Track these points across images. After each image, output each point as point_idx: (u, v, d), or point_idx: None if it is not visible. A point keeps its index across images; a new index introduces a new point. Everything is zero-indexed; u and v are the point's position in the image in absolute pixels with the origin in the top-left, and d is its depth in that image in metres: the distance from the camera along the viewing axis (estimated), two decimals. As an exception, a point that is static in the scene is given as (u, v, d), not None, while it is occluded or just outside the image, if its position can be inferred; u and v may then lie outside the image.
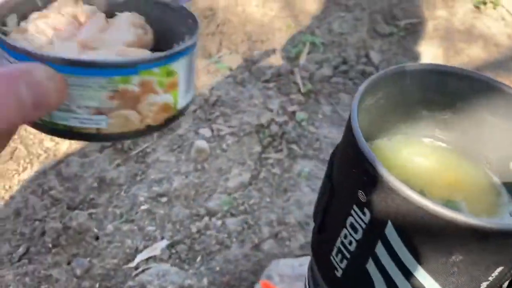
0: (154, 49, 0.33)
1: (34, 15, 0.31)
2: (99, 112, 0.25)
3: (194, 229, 0.95)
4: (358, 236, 0.41)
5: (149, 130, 0.28)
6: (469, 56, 1.41)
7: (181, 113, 0.29)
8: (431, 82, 0.47)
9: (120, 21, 0.35)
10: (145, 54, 0.28)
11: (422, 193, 0.47)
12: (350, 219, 0.41)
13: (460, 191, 0.48)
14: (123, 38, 0.34)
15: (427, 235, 0.36)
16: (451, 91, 0.48)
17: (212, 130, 1.09)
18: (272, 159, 1.08)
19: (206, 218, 0.97)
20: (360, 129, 0.40)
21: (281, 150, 1.10)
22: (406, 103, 0.49)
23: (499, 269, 0.38)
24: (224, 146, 1.07)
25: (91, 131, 0.26)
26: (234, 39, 1.31)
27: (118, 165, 1.01)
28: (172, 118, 0.28)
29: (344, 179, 0.43)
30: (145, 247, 0.92)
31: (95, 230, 0.92)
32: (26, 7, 0.31)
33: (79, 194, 0.96)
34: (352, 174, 0.40)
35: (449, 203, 0.46)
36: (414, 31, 1.48)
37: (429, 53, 1.41)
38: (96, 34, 0.33)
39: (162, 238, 0.93)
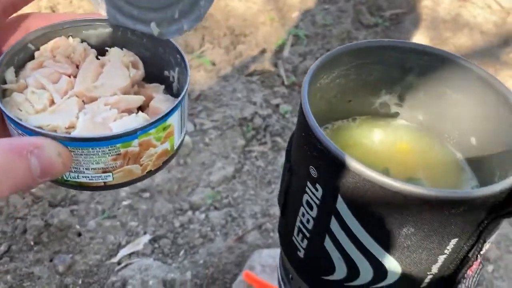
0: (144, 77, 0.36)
1: (30, 64, 0.34)
2: (105, 171, 0.29)
3: (177, 224, 0.95)
4: (314, 213, 0.41)
5: (149, 174, 0.31)
6: (455, 45, 1.41)
7: (177, 150, 0.32)
8: (390, 59, 0.47)
9: (113, 63, 0.35)
10: (142, 120, 0.30)
11: (386, 171, 0.47)
12: (305, 197, 0.41)
13: (424, 169, 0.48)
14: (118, 84, 0.35)
15: (376, 208, 0.36)
16: (411, 68, 0.47)
17: (195, 125, 1.09)
18: (256, 152, 1.08)
19: (189, 212, 0.97)
20: (310, 106, 0.39)
21: (265, 143, 1.10)
22: (367, 81, 0.49)
23: (454, 241, 0.37)
24: (207, 140, 1.07)
25: (98, 184, 0.29)
26: (217, 34, 1.31)
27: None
28: (169, 159, 0.32)
29: (299, 156, 0.42)
30: (128, 242, 0.91)
31: (77, 227, 0.92)
32: (21, 56, 0.34)
33: (60, 192, 0.96)
34: (304, 151, 0.40)
35: (410, 181, 0.46)
36: (399, 21, 1.48)
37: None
38: (90, 84, 0.34)
39: (145, 233, 0.93)
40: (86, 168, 0.28)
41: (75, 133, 0.29)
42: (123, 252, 0.90)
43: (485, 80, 0.44)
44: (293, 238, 0.46)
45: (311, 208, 0.41)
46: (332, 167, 0.36)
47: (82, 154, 0.28)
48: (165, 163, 0.32)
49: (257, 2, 1.39)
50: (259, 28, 1.35)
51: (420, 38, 1.43)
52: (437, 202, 0.33)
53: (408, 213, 0.35)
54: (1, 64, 0.31)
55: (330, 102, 0.48)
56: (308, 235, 0.43)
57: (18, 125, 0.27)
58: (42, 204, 0.93)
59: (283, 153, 1.08)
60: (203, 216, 0.96)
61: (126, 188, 0.98)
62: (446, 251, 0.38)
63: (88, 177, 0.29)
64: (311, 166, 0.39)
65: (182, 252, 0.91)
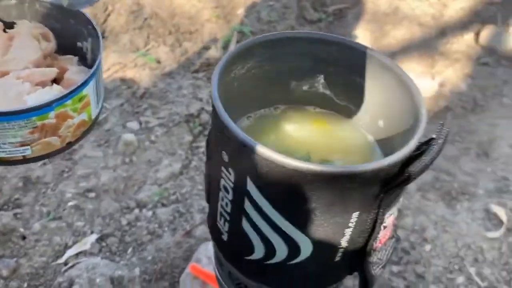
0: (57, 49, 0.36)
1: None
2: (23, 144, 0.29)
3: (124, 222, 0.95)
4: (230, 196, 0.43)
5: (69, 145, 0.32)
6: (395, 37, 1.46)
7: (95, 121, 0.33)
8: (302, 49, 0.50)
9: (22, 35, 0.35)
10: (57, 92, 0.31)
11: (307, 157, 0.50)
12: (222, 182, 0.43)
13: (339, 152, 0.51)
14: (29, 57, 0.35)
15: (281, 187, 0.38)
16: (322, 57, 0.50)
17: (140, 123, 1.10)
18: (203, 148, 1.09)
19: (137, 210, 0.97)
20: (220, 95, 0.41)
21: (212, 138, 1.11)
22: (282, 71, 0.51)
23: (356, 214, 0.40)
24: (153, 137, 1.08)
25: (17, 158, 0.30)
26: (162, 32, 1.31)
27: (44, 163, 1.00)
28: (88, 129, 0.33)
29: (213, 143, 0.44)
30: (75, 242, 0.91)
31: (21, 230, 0.91)
32: None
33: (3, 195, 0.94)
34: (217, 138, 0.42)
35: (325, 162, 0.49)
36: (342, 16, 1.52)
37: (356, 37, 1.45)
38: (1, 58, 0.34)
39: (92, 232, 0.93)
40: (3, 143, 0.29)
41: None
42: (69, 253, 0.90)
43: (387, 66, 0.47)
44: (217, 223, 0.48)
45: (227, 191, 0.43)
46: (239, 151, 0.38)
47: None
48: (85, 133, 0.33)
49: (202, 0, 1.40)
50: (204, 25, 1.36)
51: (362, 31, 1.48)
52: (332, 177, 0.35)
53: (308, 189, 0.37)
54: None
55: (250, 92, 0.51)
56: (228, 218, 0.45)
57: None
58: (-17, 209, 0.92)
59: (230, 148, 1.10)
60: (150, 213, 0.97)
61: (72, 189, 0.97)
62: (350, 224, 0.41)
63: (6, 151, 0.29)
64: (223, 152, 0.41)
65: (130, 250, 0.92)
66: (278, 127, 0.53)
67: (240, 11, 1.43)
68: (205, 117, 1.14)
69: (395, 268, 0.92)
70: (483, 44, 1.44)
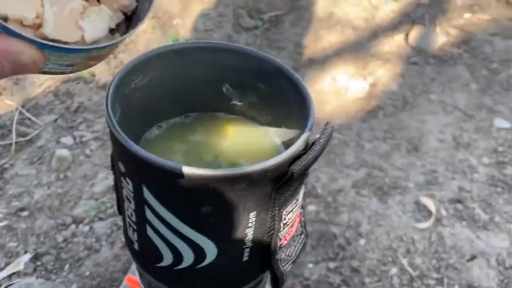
0: None
1: None
2: (69, 65, 0.31)
3: (60, 239, 0.93)
4: (133, 205, 0.44)
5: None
6: (329, 41, 1.51)
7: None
8: (205, 58, 0.51)
9: None
10: (107, 17, 0.33)
11: (216, 161, 0.51)
12: (124, 191, 0.44)
13: (247, 155, 0.52)
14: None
15: (174, 193, 0.39)
16: (226, 66, 0.52)
17: (75, 138, 1.08)
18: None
19: (73, 226, 0.96)
20: (114, 108, 0.42)
21: (150, 149, 1.11)
22: (188, 80, 0.53)
23: (253, 214, 0.42)
24: (88, 151, 1.06)
25: (55, 73, 0.31)
26: (96, 46, 1.30)
27: (-28, 185, 0.97)
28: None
29: (113, 154, 0.45)
30: (7, 264, 0.89)
31: (-51, 256, 0.88)
32: None
33: None
34: (114, 149, 0.43)
35: (232, 166, 0.50)
36: (279, 22, 1.56)
37: (292, 42, 1.49)
38: None
39: (26, 252, 0.91)
40: (52, 63, 0.30)
41: (49, 32, 0.29)
42: (2, 275, 0.87)
43: (282, 72, 0.50)
44: (128, 233, 0.49)
45: (130, 201, 0.44)
46: (132, 160, 0.39)
47: (54, 55, 0.29)
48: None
49: (136, 11, 1.40)
50: (141, 36, 1.36)
51: (298, 37, 1.51)
52: (219, 180, 0.37)
53: (201, 194, 0.38)
54: None
55: (156, 102, 0.52)
56: (135, 227, 0.46)
57: None
58: None
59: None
60: (87, 228, 0.96)
61: (3, 209, 0.95)
62: (250, 225, 0.43)
63: (50, 69, 0.30)
64: (119, 162, 0.41)
65: (66, 267, 0.90)
66: (188, 135, 0.54)
67: (176, 21, 1.44)
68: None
69: (331, 264, 0.95)
70: (412, 44, 1.51)
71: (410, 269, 0.95)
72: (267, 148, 0.53)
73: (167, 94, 0.51)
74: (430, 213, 1.05)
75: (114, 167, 0.46)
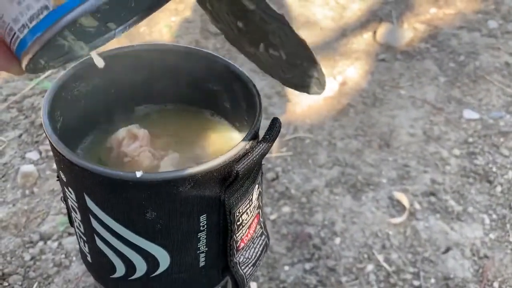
0: None
1: None
2: None
3: (27, 257, 0.91)
4: (79, 216, 0.42)
5: None
6: (298, 42, 1.51)
7: None
8: (153, 60, 0.50)
9: None
10: None
11: (176, 158, 0.49)
12: (70, 202, 0.42)
13: (206, 147, 0.51)
14: None
15: (115, 200, 0.38)
16: (173, 66, 0.50)
17: (40, 152, 1.06)
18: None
19: (41, 243, 0.93)
20: (49, 115, 0.41)
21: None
22: (138, 82, 0.51)
23: (203, 217, 0.41)
24: (54, 166, 1.04)
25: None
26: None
27: None
28: None
29: (56, 163, 0.43)
30: (-28, 287, 0.86)
31: None
32: None
33: None
34: (55, 158, 0.41)
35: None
36: (247, 26, 1.55)
37: (261, 44, 1.48)
38: None
39: (-9, 273, 0.88)
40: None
41: None
42: (-33, 298, 0.84)
43: (231, 70, 0.49)
44: (80, 245, 0.47)
45: (75, 211, 0.42)
46: (70, 168, 0.37)
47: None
48: None
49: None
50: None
51: (266, 39, 1.51)
52: (157, 184, 0.36)
53: (144, 199, 0.37)
54: None
55: (101, 105, 0.50)
56: (85, 238, 0.44)
57: None
58: None
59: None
60: (55, 244, 0.93)
61: (-34, 230, 0.92)
62: (202, 228, 0.41)
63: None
64: (60, 171, 0.40)
65: (35, 285, 0.88)
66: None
67: (143, 29, 1.42)
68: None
69: (307, 265, 0.94)
70: (380, 41, 1.52)
71: (386, 265, 0.95)
72: (228, 144, 0.51)
73: (111, 97, 0.50)
74: (404, 207, 1.05)
75: (58, 176, 0.44)
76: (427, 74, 1.41)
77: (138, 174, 0.34)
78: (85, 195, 0.38)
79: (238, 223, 0.43)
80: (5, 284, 0.87)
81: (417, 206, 1.06)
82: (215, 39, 1.47)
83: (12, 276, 0.88)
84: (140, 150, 0.46)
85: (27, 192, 0.99)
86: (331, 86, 1.35)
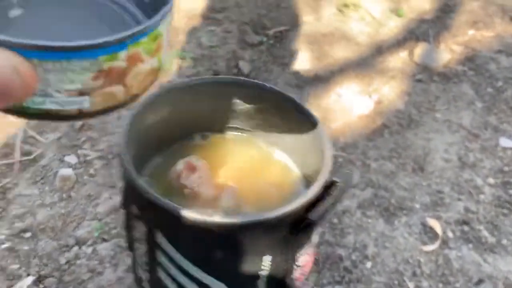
0: None
1: None
2: (82, 93, 0.22)
3: (63, 261, 0.92)
4: (144, 247, 0.43)
5: (132, 99, 0.25)
6: (334, 57, 1.50)
7: (162, 70, 0.27)
8: (213, 92, 0.51)
9: None
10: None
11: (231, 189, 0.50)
12: (136, 233, 0.43)
13: (265, 187, 0.51)
14: None
15: (188, 238, 0.38)
16: (231, 97, 0.51)
17: (78, 156, 1.07)
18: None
19: (76, 248, 0.94)
20: (128, 145, 0.41)
21: (154, 168, 1.10)
22: (202, 110, 0.52)
23: (268, 258, 0.41)
24: (91, 171, 1.05)
25: (71, 113, 0.23)
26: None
27: (-25, 205, 0.96)
28: (155, 79, 0.27)
29: (126, 195, 0.44)
30: (9, 287, 0.88)
31: (-49, 278, 0.87)
32: None
33: None
34: (128, 191, 0.42)
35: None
36: (283, 38, 1.55)
37: (296, 58, 1.48)
38: None
39: (28, 275, 0.90)
40: (56, 90, 0.22)
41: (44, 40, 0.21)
42: (4, 298, 0.86)
43: (298, 107, 0.49)
44: (138, 272, 0.48)
45: (141, 242, 0.43)
46: (147, 206, 0.38)
47: (53, 70, 0.21)
48: (151, 84, 0.27)
49: (141, 27, 1.40)
50: (145, 52, 1.36)
51: (302, 53, 1.51)
52: (232, 227, 0.36)
53: (217, 239, 0.38)
54: None
55: (166, 132, 0.51)
56: (145, 267, 0.45)
57: None
58: None
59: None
60: (90, 249, 0.94)
61: (5, 231, 0.94)
62: (264, 267, 0.42)
63: (58, 102, 0.22)
64: (133, 205, 0.41)
65: (69, 290, 0.89)
66: (211, 156, 0.53)
67: (181, 37, 1.43)
68: (147, 146, 1.13)
69: (337, 288, 0.94)
70: (417, 61, 1.51)
71: (417, 293, 0.94)
72: (285, 177, 0.52)
73: (174, 126, 0.51)
74: (436, 235, 1.04)
75: (125, 206, 0.45)
76: (464, 98, 1.39)
77: (217, 218, 0.34)
78: (157, 231, 0.39)
79: (298, 263, 0.43)
80: (41, 286, 0.89)
81: (450, 234, 1.05)
82: (252, 50, 1.47)
83: (48, 279, 0.90)
84: (199, 181, 0.47)
85: (64, 195, 1.01)
86: (367, 104, 1.34)
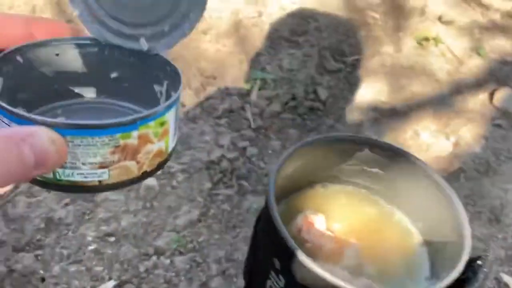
0: (131, 91, 0.36)
1: None
2: (102, 166, 0.27)
3: (142, 269, 0.96)
4: (277, 298, 0.44)
5: (144, 176, 0.30)
6: (412, 92, 1.49)
7: (170, 155, 0.32)
8: (348, 150, 0.52)
9: None
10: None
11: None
12: (269, 282, 0.45)
13: (385, 252, 0.52)
14: None
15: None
16: (366, 160, 0.52)
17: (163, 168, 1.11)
18: (222, 195, 1.11)
19: (155, 257, 0.98)
20: (276, 202, 0.43)
21: (231, 186, 1.13)
22: (330, 163, 0.53)
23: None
24: (174, 183, 1.09)
25: (93, 184, 0.28)
26: (187, 74, 1.34)
27: (66, 204, 1.02)
28: (164, 162, 0.31)
29: (264, 244, 0.46)
30: (92, 288, 0.92)
31: (41, 272, 0.92)
32: (10, 67, 0.32)
33: (25, 235, 0.96)
34: (270, 242, 0.44)
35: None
36: (361, 66, 1.56)
37: (374, 88, 1.48)
38: None
39: (110, 278, 0.94)
40: (83, 163, 0.27)
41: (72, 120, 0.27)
42: (87, 298, 0.91)
43: (429, 175, 0.50)
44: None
45: (273, 292, 0.45)
46: (295, 266, 0.40)
47: (80, 145, 0.26)
48: (160, 165, 0.31)
49: (227, 44, 1.44)
50: (228, 70, 1.40)
51: (379, 84, 1.51)
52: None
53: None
54: None
55: (298, 178, 0.53)
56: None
57: (7, 113, 0.26)
58: (6, 249, 0.93)
59: (249, 197, 1.12)
60: (168, 261, 0.98)
61: (92, 233, 0.99)
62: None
63: (83, 174, 0.27)
64: (274, 258, 0.43)
65: (146, 298, 0.93)
66: (329, 206, 0.54)
67: (263, 58, 1.46)
68: (225, 164, 1.16)
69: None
70: (497, 105, 1.48)
71: None
72: (407, 242, 0.52)
73: (301, 176, 0.52)
74: (511, 292, 1.01)
75: (257, 248, 0.47)
76: (546, 150, 1.35)
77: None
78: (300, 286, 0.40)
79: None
80: (121, 291, 0.93)
81: (525, 293, 1.02)
82: (329, 76, 1.48)
83: (127, 285, 0.94)
84: (319, 235, 0.48)
85: (147, 204, 1.06)
86: (444, 145, 1.32)
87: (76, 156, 0.26)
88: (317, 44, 1.55)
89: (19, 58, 0.32)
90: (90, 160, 0.27)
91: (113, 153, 0.27)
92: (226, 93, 1.33)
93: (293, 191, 0.55)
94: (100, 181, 0.28)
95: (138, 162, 0.29)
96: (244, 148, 1.21)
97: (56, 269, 0.93)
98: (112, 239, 0.99)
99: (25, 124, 0.25)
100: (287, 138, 1.28)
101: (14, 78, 0.32)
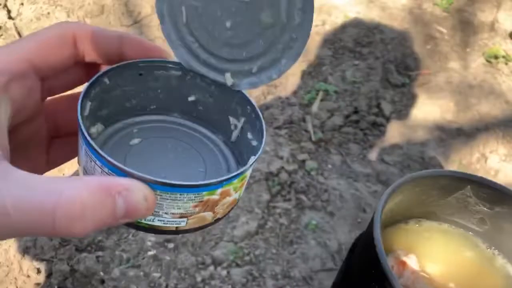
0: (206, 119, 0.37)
1: None
2: (182, 216, 0.29)
3: (199, 278, 0.95)
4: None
5: (216, 221, 0.31)
6: (479, 112, 1.42)
7: (239, 199, 0.33)
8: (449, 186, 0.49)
9: None
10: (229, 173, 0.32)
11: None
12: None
13: None
14: None
15: None
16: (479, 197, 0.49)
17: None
18: (280, 209, 1.09)
19: (212, 267, 0.97)
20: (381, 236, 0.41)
21: (289, 200, 1.11)
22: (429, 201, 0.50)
23: None
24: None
25: (170, 229, 0.29)
26: (249, 83, 1.33)
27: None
28: (234, 206, 0.32)
29: (361, 268, 0.44)
30: (149, 294, 0.92)
31: (101, 274, 0.93)
32: (97, 89, 0.33)
33: (87, 236, 0.97)
34: (370, 269, 0.42)
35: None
36: (426, 82, 1.50)
37: (439, 106, 1.42)
38: None
39: (167, 285, 0.94)
40: (165, 212, 0.28)
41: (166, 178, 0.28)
42: (144, 304, 0.91)
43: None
44: None
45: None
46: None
47: (168, 199, 0.27)
48: (230, 211, 0.33)
49: (289, 52, 1.42)
50: (289, 79, 1.37)
51: (445, 102, 1.45)
52: None
53: None
54: (82, 97, 0.31)
55: (396, 212, 0.50)
56: None
57: (107, 162, 0.27)
58: (69, 248, 0.94)
59: (306, 212, 1.09)
60: (224, 272, 0.97)
61: (152, 238, 0.99)
62: None
63: (163, 221, 0.29)
64: (373, 283, 0.40)
65: (202, 309, 0.92)
66: (425, 247, 0.51)
67: (326, 68, 1.43)
68: (284, 176, 1.14)
69: None
70: None
71: None
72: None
73: (398, 212, 0.50)
74: None
75: (352, 267, 0.45)
76: None
77: None
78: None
79: None
80: (177, 299, 0.92)
81: None
82: (394, 90, 1.44)
83: (183, 294, 0.93)
84: (413, 278, 0.45)
85: (206, 213, 1.05)
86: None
87: (161, 206, 0.28)
88: (382, 56, 1.50)
89: (106, 80, 0.33)
90: (173, 211, 0.28)
91: (195, 206, 0.28)
92: (287, 103, 1.31)
93: (387, 225, 0.52)
94: (177, 227, 0.29)
95: (214, 212, 0.30)
96: (303, 161, 1.19)
97: (115, 272, 0.93)
98: (171, 245, 0.99)
99: (122, 176, 0.26)
100: (348, 153, 1.24)
101: (99, 98, 0.33)
